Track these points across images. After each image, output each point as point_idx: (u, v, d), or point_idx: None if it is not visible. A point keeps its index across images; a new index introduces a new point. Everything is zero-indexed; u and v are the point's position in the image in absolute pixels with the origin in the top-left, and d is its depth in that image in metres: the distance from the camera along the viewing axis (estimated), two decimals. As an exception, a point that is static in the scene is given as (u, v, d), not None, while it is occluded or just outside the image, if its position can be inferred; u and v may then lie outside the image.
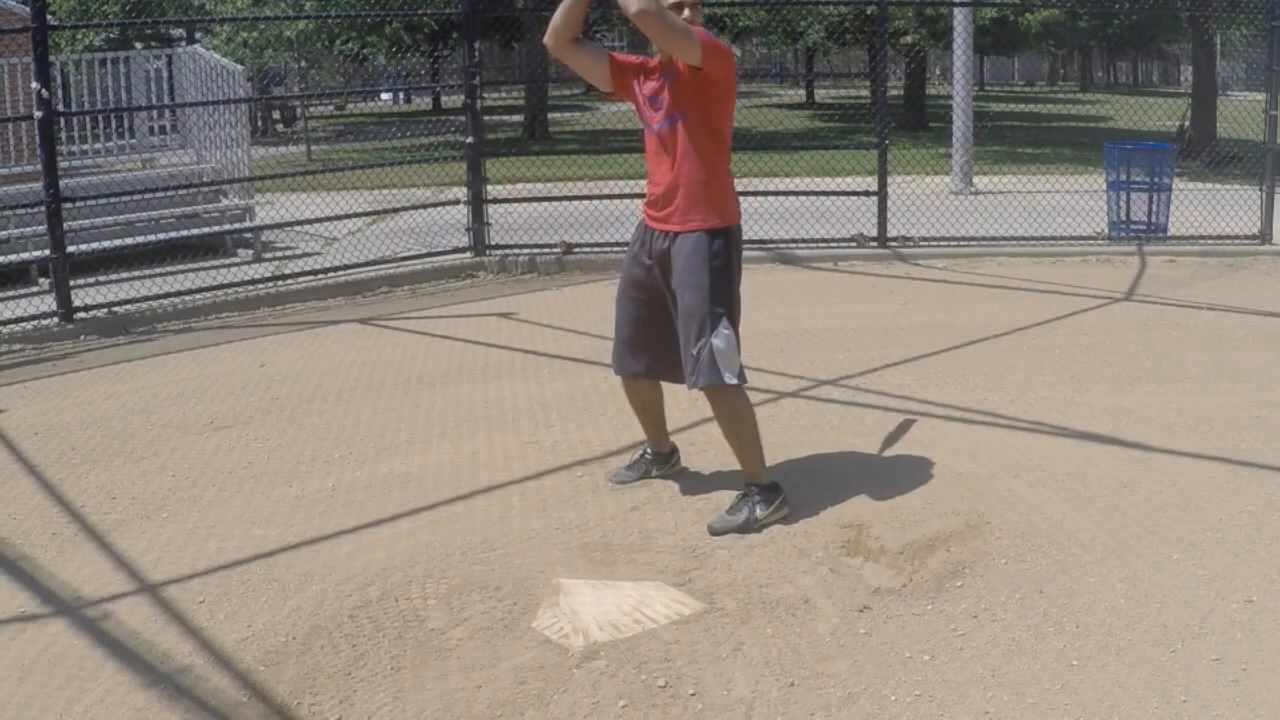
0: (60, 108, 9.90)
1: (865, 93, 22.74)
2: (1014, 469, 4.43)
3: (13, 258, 8.26)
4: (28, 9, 7.70)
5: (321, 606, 3.41)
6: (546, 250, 9.18)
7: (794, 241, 9.41)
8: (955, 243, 9.53)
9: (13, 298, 7.67)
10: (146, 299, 7.66)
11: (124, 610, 3.43)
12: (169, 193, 9.41)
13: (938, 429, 4.95)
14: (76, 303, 7.33)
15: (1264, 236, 9.37)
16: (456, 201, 9.62)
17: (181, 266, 8.83)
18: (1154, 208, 9.83)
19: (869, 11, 19.79)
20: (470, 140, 9.08)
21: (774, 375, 5.76)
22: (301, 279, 8.37)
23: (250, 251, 9.57)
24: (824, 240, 9.49)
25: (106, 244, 8.54)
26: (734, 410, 3.92)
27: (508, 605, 3.39)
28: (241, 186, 10.18)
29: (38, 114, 7.07)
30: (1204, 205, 9.70)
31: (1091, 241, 9.67)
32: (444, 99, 28.98)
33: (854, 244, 9.43)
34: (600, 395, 5.46)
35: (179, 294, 7.83)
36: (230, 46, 19.94)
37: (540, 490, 4.33)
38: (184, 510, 4.22)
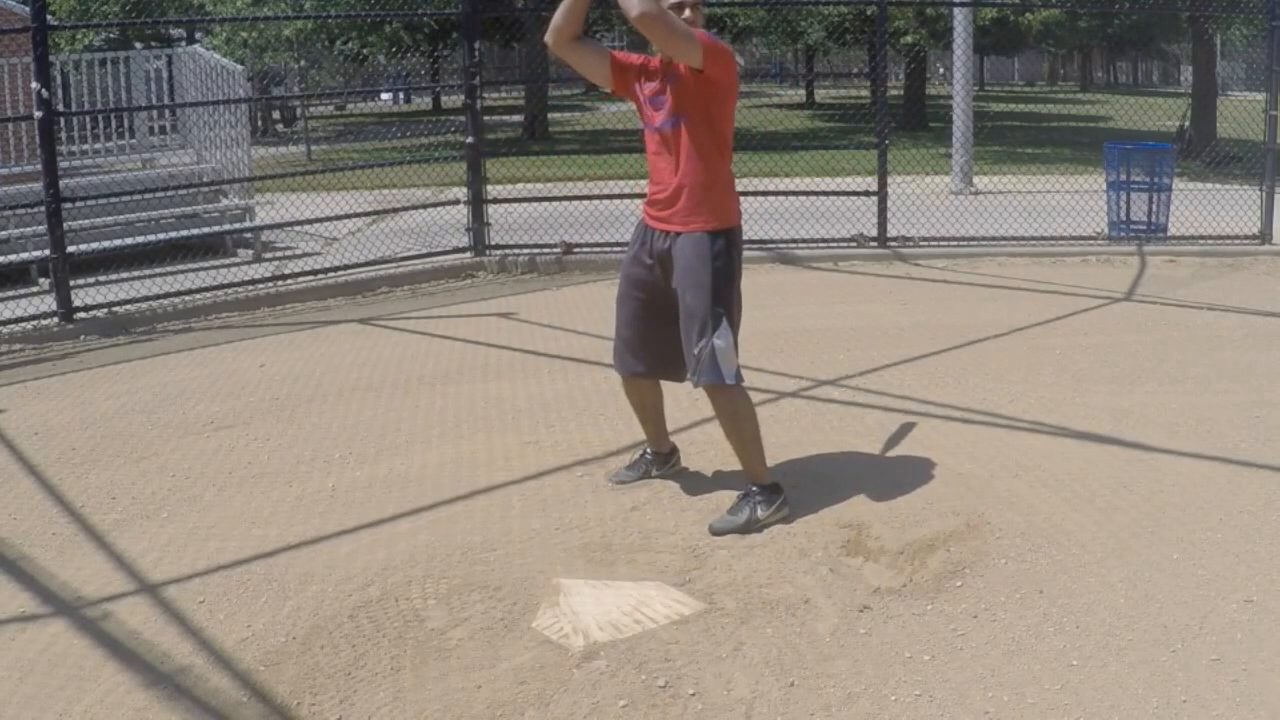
0: (60, 108, 9.91)
1: (865, 93, 22.76)
2: (1014, 469, 4.43)
3: (13, 258, 8.26)
4: (28, 9, 7.70)
5: (321, 606, 3.41)
6: (546, 250, 9.18)
7: (794, 241, 9.41)
8: (955, 243, 9.53)
9: (13, 298, 7.67)
10: (146, 299, 7.66)
11: (124, 610, 3.43)
12: (169, 193, 9.41)
13: (938, 429, 4.95)
14: (76, 303, 7.33)
15: (1264, 236, 9.37)
16: (456, 201, 9.62)
17: (181, 266, 8.82)
18: (1154, 208, 9.83)
19: (869, 11, 19.80)
20: (470, 140, 9.07)
21: (774, 375, 5.76)
22: (301, 279, 8.37)
23: (250, 251, 9.57)
24: (824, 240, 9.49)
25: (106, 244, 8.53)
26: (735, 410, 3.92)
27: (508, 605, 3.39)
28: (241, 186, 10.18)
29: (38, 114, 7.07)
30: (1204, 205, 9.70)
31: (1091, 241, 9.67)
32: (444, 99, 28.97)
33: (854, 244, 9.43)
34: (600, 395, 5.46)
35: (179, 294, 7.83)
36: (230, 46, 19.93)
37: (540, 490, 4.33)
38: (184, 510, 4.22)
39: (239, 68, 10.86)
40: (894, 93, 21.16)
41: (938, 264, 9.07)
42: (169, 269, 8.64)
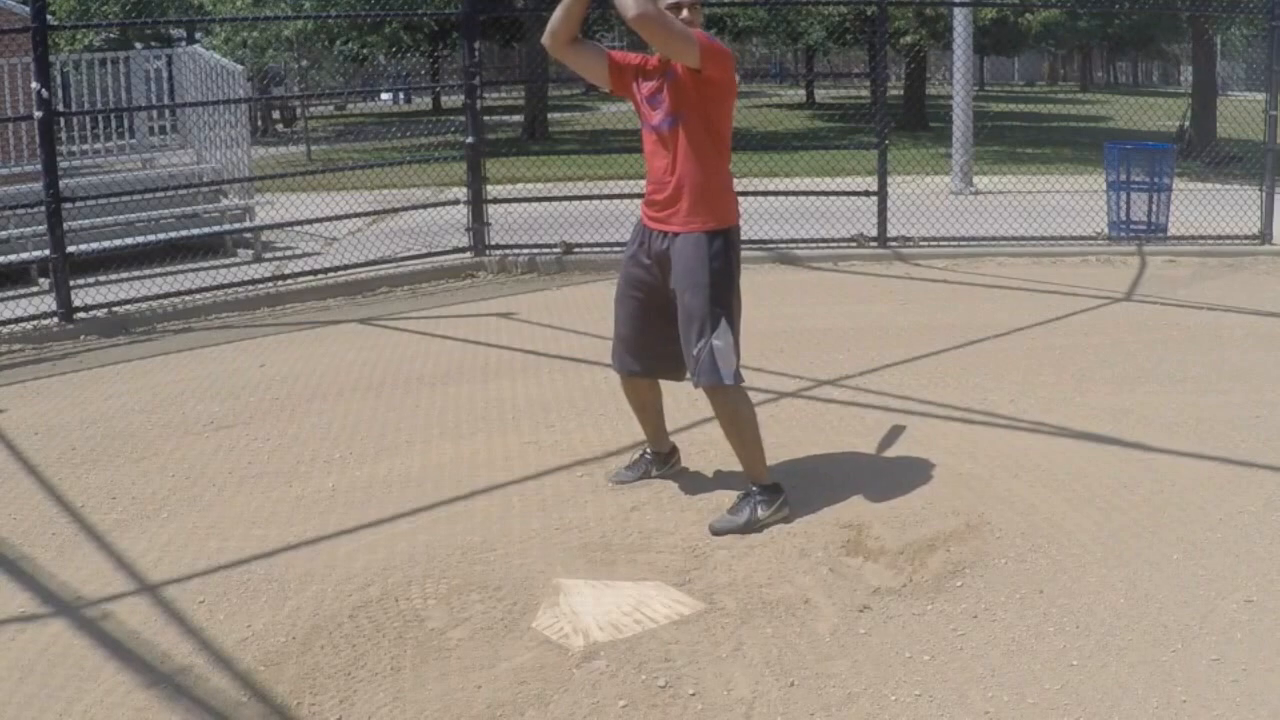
0: (60, 108, 9.90)
1: (865, 93, 22.74)
2: (1014, 469, 4.43)
3: (13, 258, 8.26)
4: (28, 9, 7.70)
5: (321, 606, 3.41)
6: (546, 250, 9.18)
7: (794, 241, 9.41)
8: (955, 243, 9.53)
9: (13, 298, 7.67)
10: (146, 299, 7.66)
11: (124, 610, 3.43)
12: (169, 193, 9.41)
13: (938, 429, 4.95)
14: (76, 303, 7.33)
15: (1264, 236, 9.38)
16: (456, 201, 9.62)
17: (181, 266, 8.82)
18: (1154, 208, 9.83)
19: (869, 12, 19.79)
20: (470, 140, 9.07)
21: (774, 375, 5.76)
22: (301, 279, 8.37)
23: (250, 251, 9.57)
24: (824, 240, 9.49)
25: (106, 244, 8.53)
26: (735, 410, 3.92)
27: (508, 605, 3.39)
28: (241, 186, 10.18)
29: (38, 114, 7.07)
30: (1204, 205, 9.70)
31: (1091, 241, 9.67)
32: (444, 99, 28.97)
33: (854, 244, 9.43)
34: (600, 395, 5.46)
35: (179, 294, 7.83)
36: (230, 46, 19.93)
37: (540, 490, 4.33)
38: (184, 510, 4.22)
39: (239, 68, 10.85)
40: (894, 93, 21.17)
41: (938, 264, 9.07)
42: (169, 269, 8.64)
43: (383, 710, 2.86)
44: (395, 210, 10.49)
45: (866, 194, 9.44)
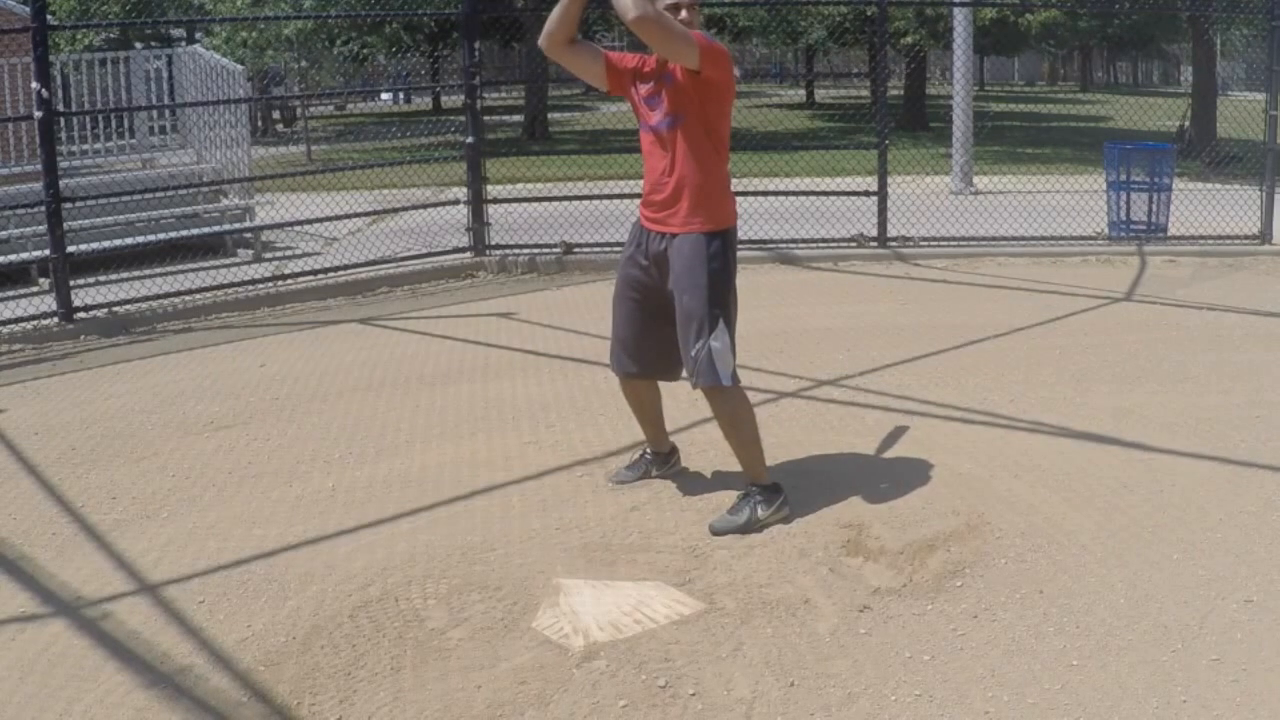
0: (60, 108, 9.90)
1: (865, 93, 22.75)
2: (1014, 469, 4.43)
3: (13, 258, 8.26)
4: (28, 9, 7.70)
5: (321, 606, 3.41)
6: (546, 250, 9.18)
7: (794, 241, 9.41)
8: (955, 243, 9.53)
9: (13, 298, 7.67)
10: (146, 299, 7.66)
11: (124, 610, 3.43)
12: (169, 193, 9.41)
13: (938, 429, 4.95)
14: (76, 303, 7.32)
15: (1264, 236, 9.37)
16: (456, 201, 9.62)
17: (181, 266, 8.82)
18: (1154, 208, 9.83)
19: (869, 12, 19.79)
20: (470, 140, 9.07)
21: (774, 375, 5.76)
22: (301, 279, 8.37)
23: (250, 251, 9.57)
24: (824, 240, 9.49)
25: (106, 244, 8.53)
26: (734, 410, 3.92)
27: (508, 605, 3.39)
28: (241, 186, 10.18)
29: (38, 114, 7.07)
30: (1204, 205, 9.71)
31: (1091, 241, 9.67)
32: (444, 99, 28.97)
33: (854, 244, 9.43)
34: (600, 395, 5.46)
35: (179, 294, 7.83)
36: (230, 46, 19.93)
37: (540, 490, 4.33)
38: (184, 510, 4.22)
39: (239, 68, 10.85)
40: (894, 93, 21.16)
41: (938, 264, 9.07)
42: (169, 269, 8.64)
43: (383, 710, 2.86)
44: (395, 210, 10.50)
45: (866, 194, 9.44)
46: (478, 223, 9.13)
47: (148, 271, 8.28)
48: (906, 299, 7.81)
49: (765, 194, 9.25)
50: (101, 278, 8.05)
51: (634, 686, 2.94)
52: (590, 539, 3.86)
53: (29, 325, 7.10)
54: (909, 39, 22.78)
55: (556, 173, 12.26)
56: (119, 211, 9.08)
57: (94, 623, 3.35)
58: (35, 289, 8.06)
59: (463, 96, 9.21)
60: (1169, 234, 9.72)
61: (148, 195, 9.11)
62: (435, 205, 10.29)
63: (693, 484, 4.31)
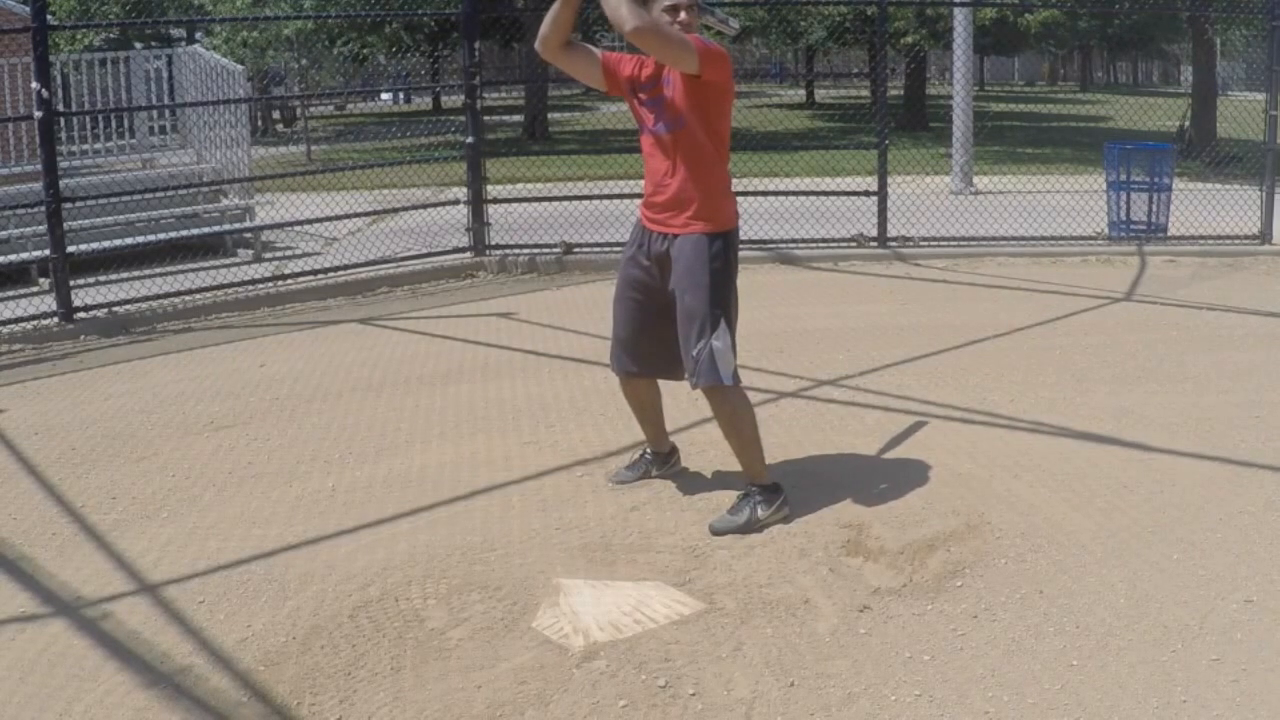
0: (60, 108, 9.90)
1: (865, 93, 22.74)
2: (1014, 469, 4.43)
3: (13, 258, 8.26)
4: (28, 9, 7.70)
5: (321, 606, 3.41)
6: (546, 250, 9.18)
7: (794, 241, 9.41)
8: (955, 243, 9.53)
9: (13, 298, 7.67)
10: (146, 299, 7.66)
11: (124, 610, 3.43)
12: (169, 193, 9.41)
13: (938, 429, 4.95)
14: (76, 303, 7.32)
15: (1264, 236, 9.37)
16: (456, 201, 9.62)
17: (181, 266, 8.82)
18: (1154, 208, 9.83)
19: (869, 12, 19.78)
20: (470, 140, 9.07)
21: (774, 375, 5.76)
22: (301, 279, 8.37)
23: (250, 251, 9.57)
24: (824, 240, 9.49)
25: (106, 244, 8.53)
26: (734, 410, 3.92)
27: (508, 605, 3.39)
28: (241, 186, 10.18)
29: (38, 114, 7.07)
30: (1204, 205, 9.70)
31: (1091, 241, 9.67)
32: (444, 99, 28.97)
33: (854, 244, 9.43)
34: (600, 395, 5.45)
35: (179, 294, 7.83)
36: (230, 46, 19.94)
37: (540, 490, 4.33)
38: (184, 510, 4.22)
39: (239, 68, 10.85)
40: (894, 93, 21.15)
41: (938, 264, 9.07)
42: (169, 269, 8.64)
43: (383, 710, 2.86)
44: (395, 210, 10.49)
45: (866, 194, 9.44)
46: (478, 223, 9.13)
47: (148, 271, 8.28)
48: (906, 299, 7.81)
49: (765, 194, 9.25)
50: (101, 278, 8.05)
51: (634, 686, 2.94)
52: (590, 539, 3.86)
53: (29, 325, 7.10)
54: (909, 39, 22.78)
55: (556, 173, 12.26)
56: (119, 211, 9.08)
57: (94, 623, 3.35)
58: (35, 289, 8.06)
59: (463, 96, 9.21)
60: (1169, 234, 9.72)
61: (148, 195, 9.11)
62: (435, 205, 10.29)
63: (693, 484, 4.31)
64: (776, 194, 9.54)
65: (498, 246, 9.19)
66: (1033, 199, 11.72)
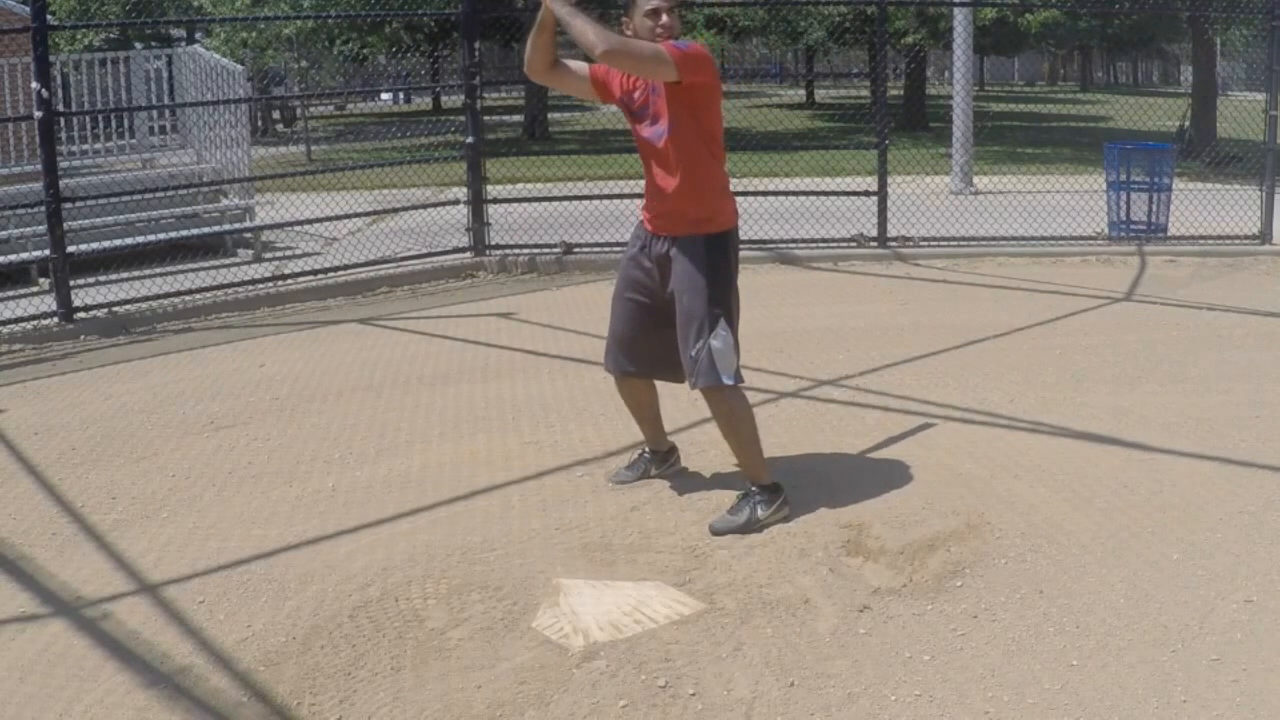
0: (60, 108, 9.90)
1: (865, 93, 22.73)
2: (1014, 469, 4.43)
3: (13, 258, 8.26)
4: (28, 9, 7.70)
5: (321, 606, 3.41)
6: (546, 250, 9.18)
7: (794, 241, 9.41)
8: (955, 243, 9.53)
9: (13, 298, 7.67)
10: (146, 299, 7.66)
11: (124, 610, 3.43)
12: (169, 193, 9.41)
13: (938, 429, 4.95)
14: (76, 303, 7.33)
15: (1264, 236, 9.37)
16: (456, 201, 9.62)
17: (181, 266, 8.83)
18: (1154, 208, 9.83)
19: (869, 12, 19.78)
20: (470, 140, 9.07)
21: (774, 375, 5.76)
22: (301, 279, 8.37)
23: (250, 251, 9.57)
24: (824, 240, 9.49)
25: (106, 244, 8.53)
26: (733, 411, 3.92)
27: (508, 605, 3.39)
28: (241, 186, 10.18)
29: (38, 114, 7.07)
30: (1204, 205, 9.70)
31: (1091, 241, 9.67)
32: (444, 99, 28.97)
33: (854, 244, 9.43)
34: (600, 395, 5.45)
35: (179, 294, 7.83)
36: (230, 46, 19.93)
37: (540, 490, 4.33)
38: (184, 510, 4.22)
39: (239, 68, 10.85)
40: (894, 93, 21.15)
41: (938, 264, 9.07)
42: (169, 269, 8.64)
43: (383, 710, 2.86)
44: (395, 210, 10.50)
45: (866, 194, 9.44)
46: (478, 223, 9.13)
47: (148, 271, 8.28)
48: (906, 299, 7.80)
49: (765, 194, 9.25)
50: (101, 278, 8.05)
51: (634, 686, 2.94)
52: (590, 539, 3.86)
53: (29, 325, 7.11)
54: (909, 39, 22.77)
55: (556, 173, 12.26)
56: (119, 211, 9.08)
57: (94, 623, 3.35)
58: (35, 289, 8.06)
59: (463, 96, 9.21)
60: (1169, 234, 9.72)
61: (148, 195, 9.12)
62: (435, 205, 10.29)
63: (693, 484, 4.31)
64: (776, 194, 9.55)
65: (498, 246, 9.20)
66: (1033, 199, 11.72)
